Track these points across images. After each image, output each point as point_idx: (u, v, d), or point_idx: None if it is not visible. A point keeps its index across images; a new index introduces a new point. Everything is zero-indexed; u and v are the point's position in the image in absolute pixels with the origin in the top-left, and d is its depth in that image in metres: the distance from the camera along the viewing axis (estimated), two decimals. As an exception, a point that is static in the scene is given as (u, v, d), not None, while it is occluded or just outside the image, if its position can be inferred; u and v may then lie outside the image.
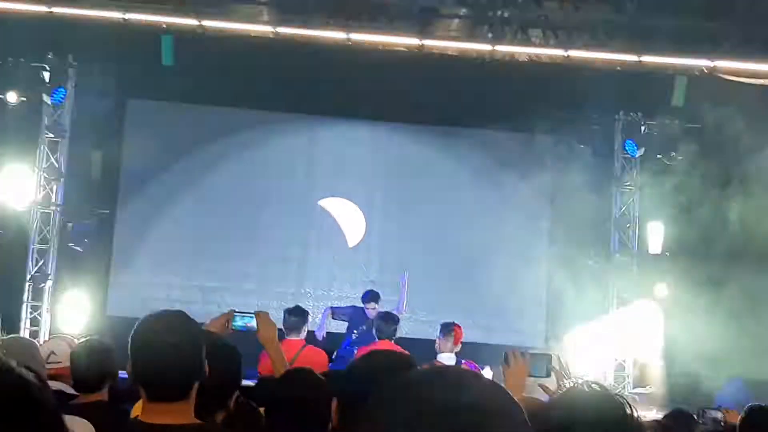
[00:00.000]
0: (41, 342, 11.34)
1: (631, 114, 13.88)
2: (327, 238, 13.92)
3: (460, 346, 7.83)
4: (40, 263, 13.14)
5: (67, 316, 12.81)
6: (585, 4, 12.22)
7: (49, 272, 13.12)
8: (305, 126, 14.13)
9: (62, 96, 13.12)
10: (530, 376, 3.88)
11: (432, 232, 13.90)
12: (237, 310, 4.07)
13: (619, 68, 12.60)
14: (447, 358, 7.64)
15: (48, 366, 4.55)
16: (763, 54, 12.01)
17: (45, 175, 13.16)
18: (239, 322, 3.99)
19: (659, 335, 13.17)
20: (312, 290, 13.71)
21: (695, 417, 5.70)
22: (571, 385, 2.34)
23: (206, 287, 13.47)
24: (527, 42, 12.70)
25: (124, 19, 11.91)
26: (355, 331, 10.19)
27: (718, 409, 6.09)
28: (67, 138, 13.25)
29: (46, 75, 12.92)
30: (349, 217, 14.00)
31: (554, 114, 13.35)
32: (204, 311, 11.80)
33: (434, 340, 7.92)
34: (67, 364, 4.45)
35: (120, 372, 4.47)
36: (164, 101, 13.71)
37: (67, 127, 13.24)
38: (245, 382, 3.44)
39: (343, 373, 2.90)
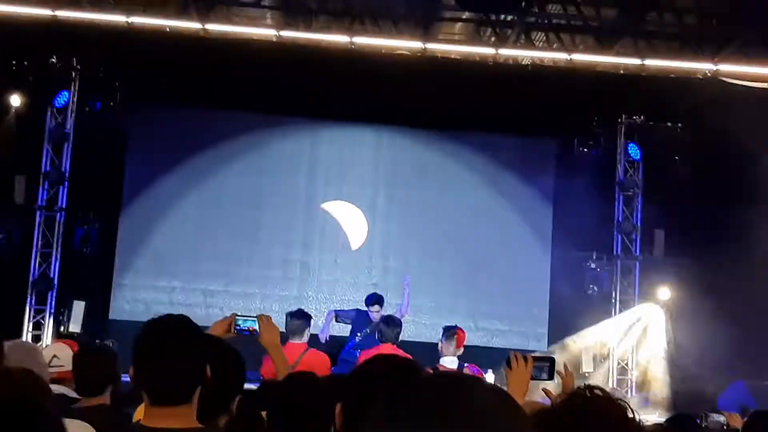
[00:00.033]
0: (44, 346, 11.39)
1: (634, 117, 13.88)
2: (330, 242, 13.92)
3: (462, 349, 7.83)
4: (43, 267, 13.15)
5: (70, 319, 12.80)
6: (588, 8, 12.23)
7: (52, 276, 13.14)
8: (308, 129, 14.13)
9: (66, 99, 13.15)
10: (533, 378, 3.87)
11: (434, 236, 13.89)
12: (239, 313, 4.07)
13: (622, 71, 12.61)
14: (449, 362, 7.64)
15: (51, 370, 4.54)
16: (766, 57, 12.01)
17: (48, 178, 13.17)
18: (242, 326, 3.99)
19: (662, 339, 13.16)
20: (314, 293, 13.70)
21: (698, 421, 5.70)
22: (573, 389, 2.34)
23: (209, 290, 13.48)
24: (530, 45, 12.72)
25: (128, 23, 11.95)
26: (358, 334, 10.20)
27: (721, 413, 6.09)
28: (71, 141, 13.27)
29: (50, 78, 12.94)
30: (351, 221, 14.00)
31: (557, 117, 13.36)
32: (206, 314, 11.90)
33: (437, 344, 7.92)
34: (70, 367, 4.45)
35: (122, 375, 4.49)
36: (167, 105, 13.71)
37: (70, 131, 13.26)
38: (248, 386, 3.44)
39: (347, 377, 2.90)
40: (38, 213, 13.17)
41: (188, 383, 2.61)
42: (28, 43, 12.40)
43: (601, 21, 12.44)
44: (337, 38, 12.31)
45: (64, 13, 11.87)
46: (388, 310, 10.25)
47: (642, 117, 13.82)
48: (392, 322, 8.23)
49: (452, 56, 12.75)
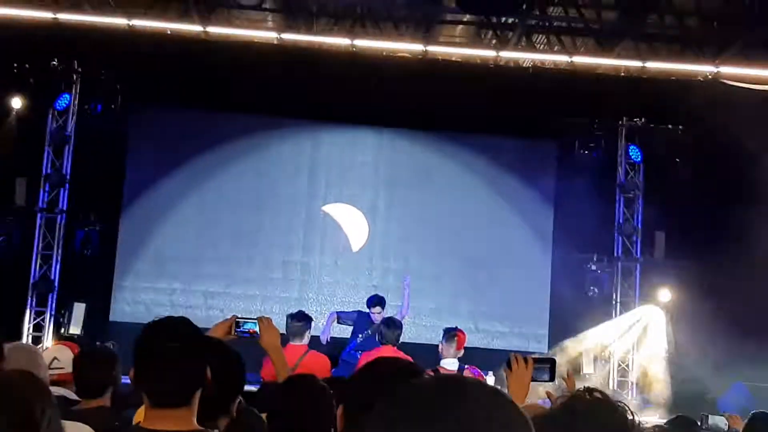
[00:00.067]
0: (45, 348, 11.40)
1: (635, 119, 13.88)
2: (330, 244, 13.92)
3: (463, 351, 7.84)
4: (44, 269, 13.16)
5: (71, 321, 12.81)
6: (588, 10, 12.23)
7: (52, 278, 13.14)
8: (309, 131, 14.13)
9: (67, 102, 13.16)
10: (534, 380, 3.87)
11: (435, 238, 13.89)
12: (240, 315, 4.07)
13: (623, 74, 12.62)
14: (450, 364, 7.65)
15: (51, 372, 4.54)
16: (767, 59, 12.01)
17: (49, 180, 13.18)
18: (242, 328, 3.99)
19: (662, 340, 13.16)
20: (315, 295, 13.70)
21: (698, 423, 5.69)
22: (573, 392, 2.34)
23: (209, 292, 13.48)
24: (531, 48, 12.73)
25: (129, 26, 11.95)
26: (359, 335, 10.23)
27: (722, 414, 6.09)
28: (72, 144, 13.28)
29: (51, 81, 12.95)
30: (352, 223, 14.00)
31: (558, 120, 13.37)
32: (207, 316, 11.92)
33: (437, 345, 7.93)
34: (70, 369, 4.46)
35: (122, 377, 4.49)
36: (168, 107, 13.72)
37: (71, 133, 13.27)
38: (248, 388, 3.44)
39: (348, 380, 2.90)
40: (39, 215, 13.17)
41: (188, 386, 2.62)
42: (30, 46, 12.41)
43: (602, 23, 12.45)
44: (338, 41, 12.32)
45: (65, 16, 11.88)
46: (389, 311, 10.26)
47: (643, 119, 13.82)
48: (392, 324, 8.25)
49: (453, 59, 12.76)
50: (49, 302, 13.07)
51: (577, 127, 13.71)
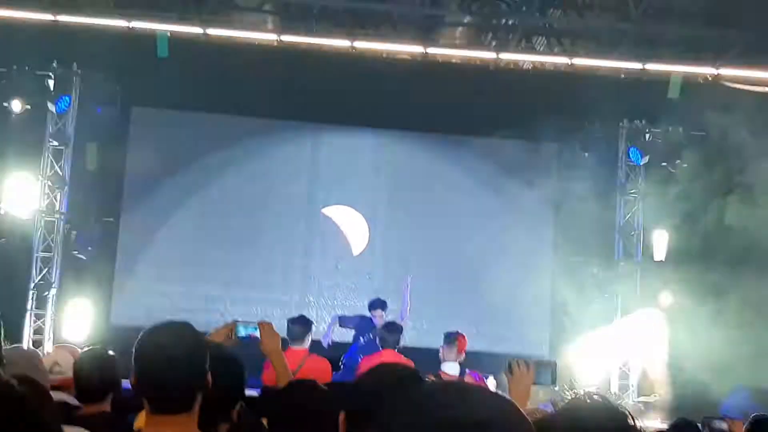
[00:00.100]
0: (45, 351, 11.39)
1: (635, 121, 13.89)
2: (330, 247, 13.91)
3: (464, 355, 7.82)
4: (44, 272, 13.14)
5: (71, 324, 12.81)
6: (589, 12, 12.23)
7: (53, 281, 13.13)
8: (309, 134, 14.13)
9: (66, 104, 13.15)
10: (536, 383, 3.85)
11: (436, 241, 13.88)
12: (240, 320, 4.06)
13: (623, 76, 12.62)
14: (451, 368, 7.63)
15: (51, 376, 4.53)
16: (767, 61, 12.00)
17: (49, 183, 13.18)
18: (242, 332, 3.98)
19: (664, 343, 13.14)
20: (315, 299, 13.69)
21: (700, 427, 5.67)
22: (574, 396, 2.33)
23: (210, 295, 13.46)
24: (531, 50, 12.74)
25: (129, 28, 11.95)
26: (361, 338, 10.24)
27: (723, 418, 6.07)
28: (71, 146, 13.27)
29: (51, 83, 12.96)
30: (352, 226, 13.99)
31: (558, 122, 13.34)
32: (207, 319, 11.84)
33: (438, 350, 7.91)
34: (71, 374, 4.44)
35: (123, 381, 4.48)
36: (168, 109, 13.72)
37: (71, 136, 13.27)
38: (249, 392, 3.43)
39: (350, 385, 2.90)
40: (39, 217, 13.15)
41: (189, 391, 2.60)
42: (29, 48, 12.40)
43: (602, 25, 12.44)
44: (338, 42, 12.32)
45: (65, 18, 11.87)
46: (390, 314, 10.26)
47: (643, 121, 13.83)
48: (393, 328, 8.24)
49: (453, 60, 12.76)
50: (49, 305, 13.06)
51: (578, 129, 13.71)
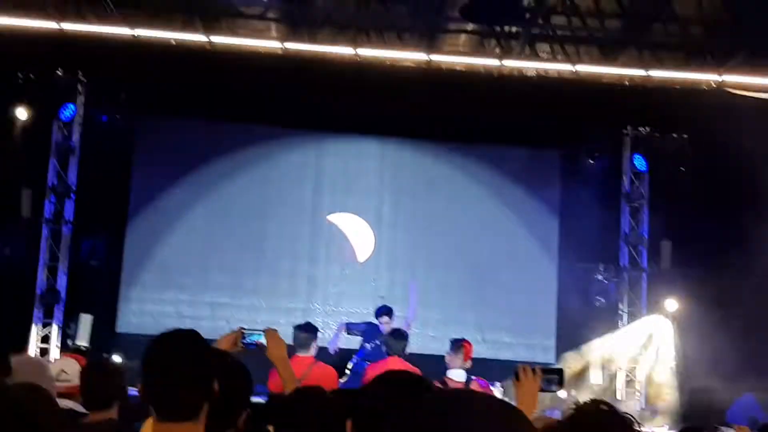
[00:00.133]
0: (52, 359, 11.40)
1: (640, 128, 13.86)
2: (336, 254, 13.91)
3: (470, 362, 7.82)
4: (50, 280, 13.16)
5: (78, 333, 12.80)
6: (592, 19, 12.24)
7: (59, 289, 13.13)
8: (314, 141, 14.14)
9: (72, 112, 13.17)
10: (542, 390, 3.85)
11: (441, 248, 13.88)
12: (246, 327, 4.06)
13: (627, 82, 12.61)
14: (457, 375, 7.63)
15: (58, 384, 4.54)
16: (771, 68, 12.00)
17: (55, 191, 13.19)
18: (248, 340, 3.98)
19: (670, 351, 13.11)
20: (321, 306, 13.69)
21: (707, 434, 5.66)
22: (581, 403, 2.33)
23: (216, 303, 13.46)
24: (535, 57, 12.73)
25: (134, 36, 11.98)
26: (367, 345, 10.25)
27: (730, 426, 6.06)
28: (77, 154, 13.29)
29: (56, 91, 12.97)
30: (358, 233, 14.00)
31: (562, 129, 13.35)
32: (213, 327, 11.85)
33: (444, 356, 7.91)
34: (78, 382, 4.44)
35: (129, 389, 4.48)
36: (173, 117, 13.74)
37: (76, 144, 13.29)
38: (255, 400, 3.43)
39: (357, 392, 2.90)
40: (45, 226, 13.17)
41: (197, 399, 2.60)
42: (34, 56, 12.44)
43: (606, 32, 12.46)
44: (342, 50, 12.34)
45: (69, 26, 11.92)
46: (396, 321, 10.25)
47: (647, 128, 13.81)
48: (399, 335, 8.24)
49: (457, 68, 12.77)
50: (56, 314, 13.06)
51: (582, 136, 13.69)
